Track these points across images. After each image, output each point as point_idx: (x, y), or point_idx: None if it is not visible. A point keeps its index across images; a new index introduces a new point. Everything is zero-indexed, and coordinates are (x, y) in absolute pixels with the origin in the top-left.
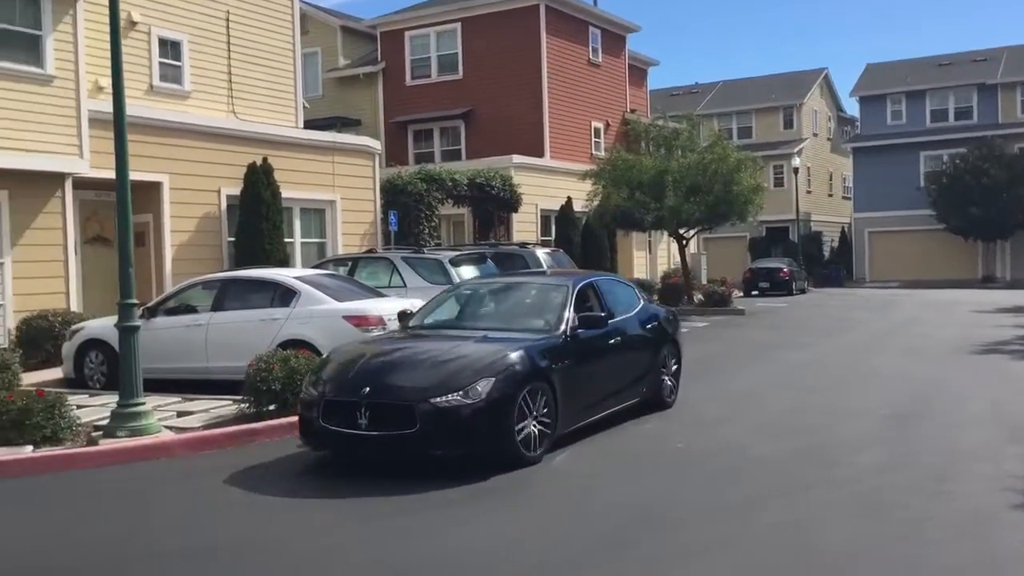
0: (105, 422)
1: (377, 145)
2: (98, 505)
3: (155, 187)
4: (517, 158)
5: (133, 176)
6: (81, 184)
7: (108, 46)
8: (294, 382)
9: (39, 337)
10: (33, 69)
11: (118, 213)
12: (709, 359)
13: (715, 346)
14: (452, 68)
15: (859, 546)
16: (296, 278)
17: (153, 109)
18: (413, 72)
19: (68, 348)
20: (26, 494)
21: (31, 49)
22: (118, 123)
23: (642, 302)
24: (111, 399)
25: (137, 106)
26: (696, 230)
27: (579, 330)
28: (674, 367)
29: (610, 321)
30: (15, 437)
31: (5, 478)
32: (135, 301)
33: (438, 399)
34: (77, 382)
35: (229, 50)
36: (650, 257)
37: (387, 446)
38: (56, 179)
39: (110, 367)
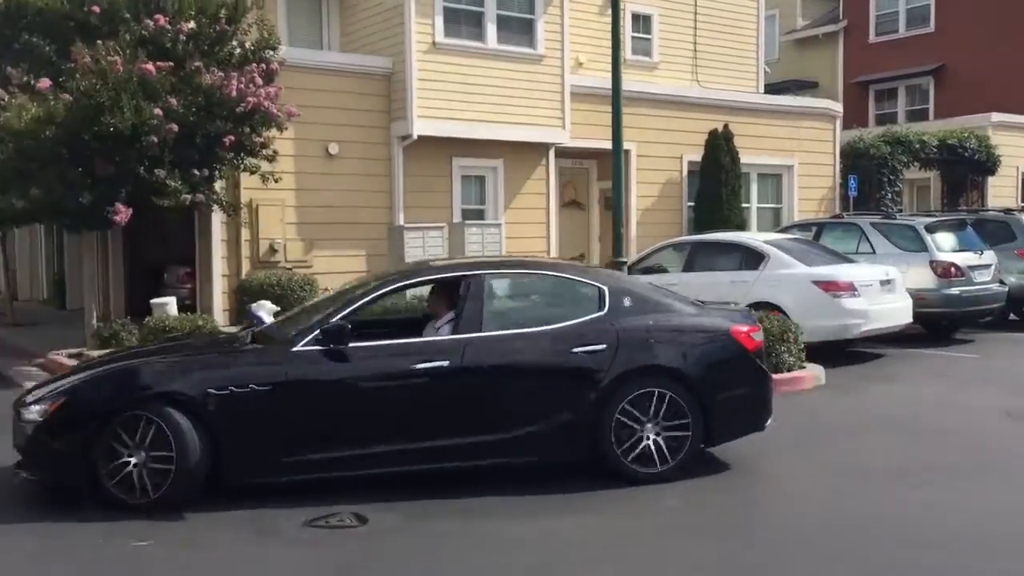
0: None
1: (838, 108)
2: None
3: (623, 155)
4: (997, 116)
5: (602, 145)
6: (560, 153)
7: (589, 26)
8: (767, 343)
9: None
10: (527, 50)
11: (613, 178)
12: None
13: None
14: (922, 21)
15: None
16: (764, 242)
17: (624, 81)
18: (877, 28)
19: None
20: None
21: (525, 32)
22: (615, 99)
23: (604, 309)
24: None
25: (610, 79)
26: None
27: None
28: (678, 421)
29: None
30: None
31: None
32: (624, 259)
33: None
34: None
35: (696, 20)
36: None
37: None
38: (541, 149)
39: None
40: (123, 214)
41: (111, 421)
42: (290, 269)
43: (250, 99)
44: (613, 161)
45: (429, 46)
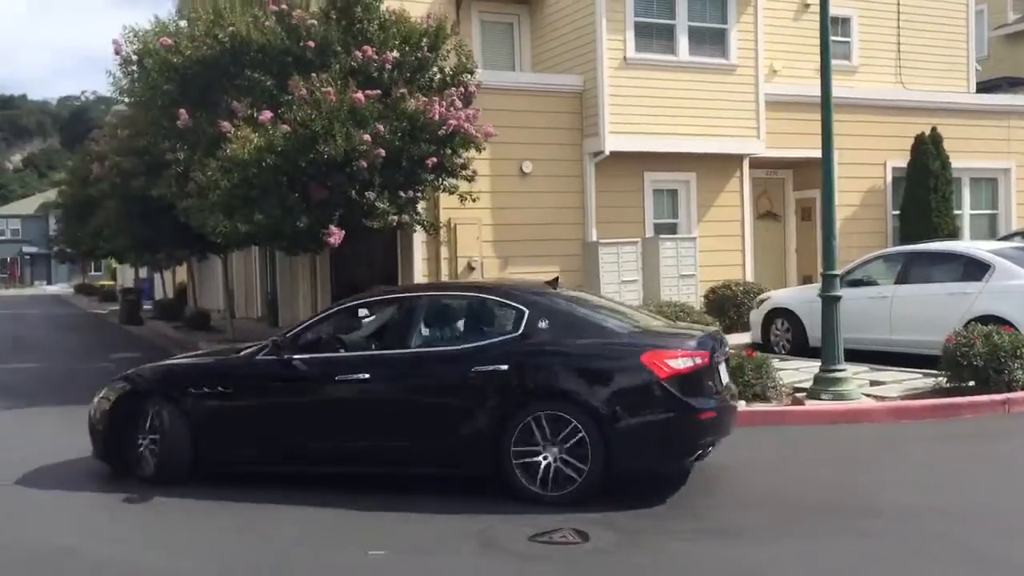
0: (803, 384)
1: None
2: (827, 457)
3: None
4: None
5: (799, 153)
6: (754, 164)
7: (783, 32)
8: (997, 359)
9: (724, 304)
10: (719, 60)
11: (822, 189)
12: None
13: None
14: None
15: None
16: (989, 251)
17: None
18: None
19: (755, 315)
20: (755, 441)
21: (717, 42)
22: (825, 105)
23: (519, 331)
24: (800, 364)
25: (806, 85)
26: None
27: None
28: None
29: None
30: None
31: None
32: (837, 272)
33: None
34: (763, 347)
35: (898, 20)
36: None
37: None
38: (735, 160)
39: (795, 335)
40: (336, 236)
41: (142, 409)
42: None
43: (451, 122)
44: (823, 169)
45: (620, 62)
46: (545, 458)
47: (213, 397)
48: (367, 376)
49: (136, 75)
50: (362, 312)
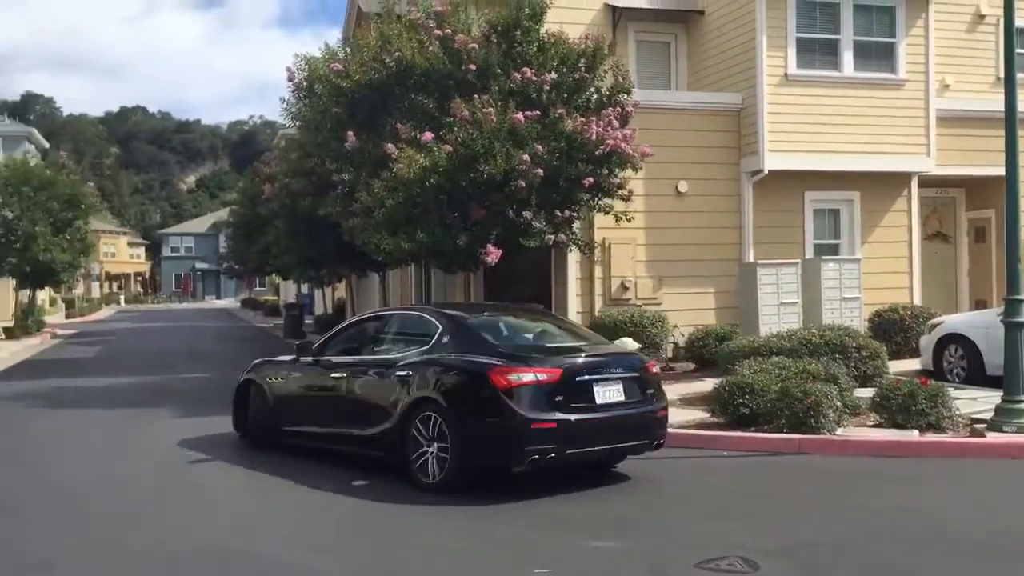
0: (982, 415)
1: None
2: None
3: (998, 181)
4: None
5: (973, 171)
6: (923, 182)
7: (955, 45)
8: None
9: (890, 329)
10: (886, 75)
11: (1006, 207)
12: None
13: None
14: None
15: None
16: None
17: (998, 101)
18: None
19: (926, 341)
20: (926, 474)
21: (884, 57)
22: (1009, 120)
23: (430, 344)
24: (977, 393)
25: (981, 100)
26: None
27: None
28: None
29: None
30: (903, 421)
31: (893, 457)
32: (1022, 298)
33: None
34: (934, 374)
35: None
36: None
37: None
38: (902, 178)
39: (970, 362)
40: (493, 255)
41: (249, 389)
42: (640, 306)
43: (608, 142)
44: (1007, 186)
45: (780, 79)
46: (430, 451)
47: (279, 379)
48: (343, 375)
49: (306, 99)
50: (351, 330)
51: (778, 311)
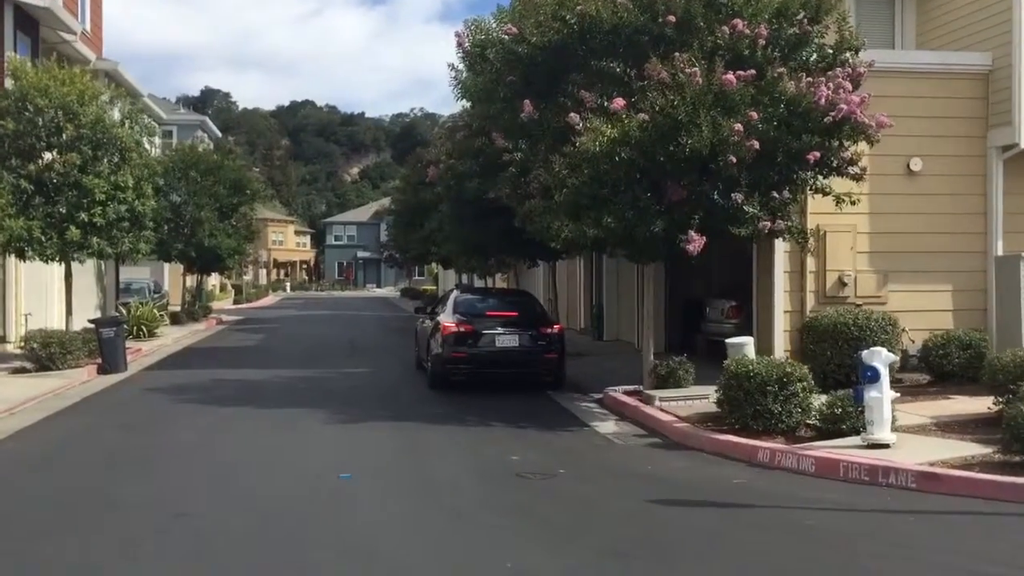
0: None
1: None
2: None
3: None
4: None
5: None
6: None
7: None
8: None
9: None
10: None
11: None
12: None
13: None
14: None
15: None
16: None
17: None
18: None
19: None
20: None
21: None
22: None
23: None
24: None
25: None
26: None
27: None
28: None
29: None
30: None
31: None
32: None
33: None
34: None
35: None
36: None
37: None
38: None
39: None
40: (696, 243)
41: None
42: (859, 306)
43: (841, 106)
44: None
45: None
46: (428, 361)
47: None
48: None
49: (479, 66)
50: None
51: None
